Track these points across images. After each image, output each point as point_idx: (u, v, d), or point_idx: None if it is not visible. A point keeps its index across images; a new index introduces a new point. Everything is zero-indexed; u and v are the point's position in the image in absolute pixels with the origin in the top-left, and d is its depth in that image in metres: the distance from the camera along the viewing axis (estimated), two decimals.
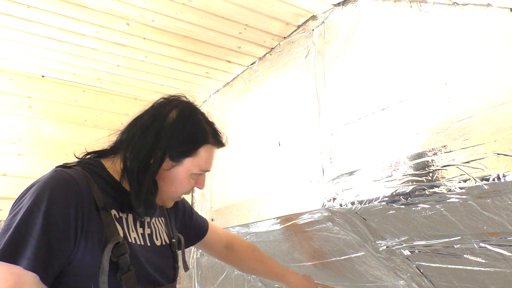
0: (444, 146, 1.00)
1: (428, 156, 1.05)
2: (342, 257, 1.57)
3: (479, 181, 0.91)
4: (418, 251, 1.28)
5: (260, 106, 1.84)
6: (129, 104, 2.19)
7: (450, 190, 0.98)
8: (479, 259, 1.13)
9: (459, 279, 1.27)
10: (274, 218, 1.62)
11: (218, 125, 1.01)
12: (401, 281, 1.47)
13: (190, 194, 2.26)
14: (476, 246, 1.10)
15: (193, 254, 2.18)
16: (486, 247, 1.08)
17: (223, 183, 2.07)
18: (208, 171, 0.99)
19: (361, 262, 1.52)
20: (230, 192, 1.99)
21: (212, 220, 2.10)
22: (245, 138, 1.91)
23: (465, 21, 0.99)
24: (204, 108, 2.35)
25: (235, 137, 1.99)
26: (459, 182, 0.96)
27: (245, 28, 1.67)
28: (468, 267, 1.18)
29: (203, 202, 2.21)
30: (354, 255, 1.51)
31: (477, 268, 1.17)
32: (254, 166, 1.81)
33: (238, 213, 1.87)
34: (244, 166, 1.89)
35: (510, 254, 1.04)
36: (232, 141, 2.01)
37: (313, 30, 1.59)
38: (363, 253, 1.46)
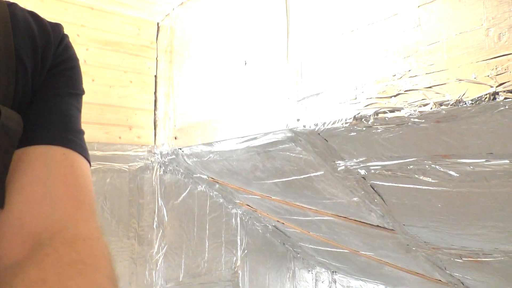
0: (409, 70, 1.01)
1: (393, 80, 1.06)
2: (302, 176, 1.64)
3: (438, 106, 0.94)
4: (374, 171, 1.35)
5: (227, 23, 1.76)
6: (85, 14, 2.04)
7: (410, 114, 1.01)
8: (429, 179, 1.21)
9: (409, 197, 1.37)
10: (238, 137, 1.63)
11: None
12: (355, 198, 1.57)
13: (153, 112, 2.23)
14: (428, 167, 1.17)
15: (156, 171, 2.20)
16: (436, 168, 1.16)
17: (187, 101, 2.04)
18: None
19: (320, 180, 1.59)
20: (194, 110, 1.97)
21: (175, 138, 2.10)
22: (210, 56, 1.85)
23: None
24: (166, 23, 2.23)
25: (199, 54, 1.93)
26: (420, 106, 0.99)
27: None
28: (418, 186, 1.27)
29: (166, 120, 2.18)
30: (314, 174, 1.58)
31: (426, 187, 1.26)
32: (219, 85, 1.78)
33: (202, 132, 1.87)
34: (209, 84, 1.86)
35: (457, 174, 1.12)
36: (196, 58, 1.95)
37: None
38: (322, 172, 1.53)
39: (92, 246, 0.49)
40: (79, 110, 0.67)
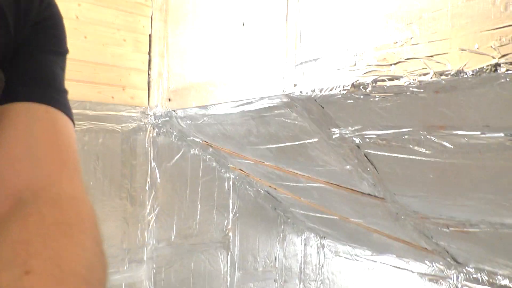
0: (411, 38, 0.99)
1: (394, 47, 1.04)
2: (296, 143, 1.64)
3: (438, 76, 0.93)
4: (368, 140, 1.35)
5: None
6: None
7: (409, 84, 0.99)
8: (423, 150, 1.21)
9: (401, 167, 1.38)
10: (233, 101, 1.61)
11: None
12: (348, 166, 1.58)
13: (147, 72, 2.18)
14: (423, 138, 1.17)
15: (149, 133, 2.19)
16: (431, 139, 1.16)
17: (181, 62, 2.00)
18: None
19: (314, 148, 1.59)
20: (189, 72, 1.93)
21: (169, 100, 2.08)
22: (207, 16, 1.80)
23: None
24: None
25: (195, 14, 1.87)
26: (420, 76, 0.97)
27: None
28: (411, 157, 1.27)
29: (160, 82, 2.15)
30: (308, 141, 1.57)
31: (420, 158, 1.26)
32: (215, 47, 1.74)
33: (197, 95, 1.84)
34: (205, 46, 1.81)
35: (451, 146, 1.12)
36: (192, 18, 1.89)
37: None
38: (317, 139, 1.52)
39: (77, 206, 0.48)
40: (63, 69, 0.64)
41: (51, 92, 0.58)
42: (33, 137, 0.53)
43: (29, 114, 0.55)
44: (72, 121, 0.60)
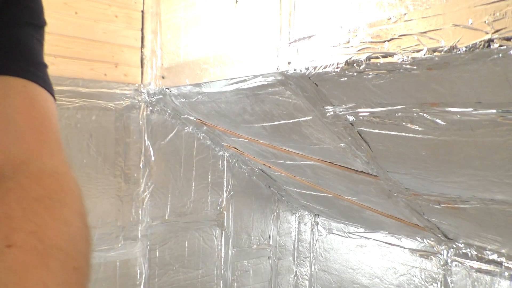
0: (405, 14, 0.98)
1: (388, 24, 1.04)
2: (291, 121, 1.64)
3: (432, 52, 0.93)
4: (362, 118, 1.35)
5: None
6: None
7: (403, 60, 1.00)
8: (415, 127, 1.22)
9: (395, 144, 1.39)
10: (227, 79, 1.61)
11: None
12: (342, 144, 1.59)
13: (140, 50, 2.16)
14: (416, 115, 1.18)
15: (142, 111, 2.18)
16: (424, 116, 1.17)
17: (175, 40, 1.98)
18: None
19: (308, 125, 1.60)
20: (183, 50, 1.92)
21: (163, 77, 2.06)
22: None
23: None
24: None
25: None
26: (413, 52, 0.98)
27: None
28: (404, 134, 1.29)
29: (153, 59, 2.13)
30: (302, 119, 1.58)
31: (412, 135, 1.27)
32: (209, 24, 1.72)
33: (190, 72, 1.83)
34: (199, 22, 1.79)
35: (444, 123, 1.13)
36: None
37: None
38: (311, 117, 1.53)
39: (59, 180, 0.47)
40: (41, 42, 0.62)
41: (28, 66, 0.56)
42: (11, 111, 0.51)
43: (6, 88, 0.53)
44: (53, 95, 0.58)
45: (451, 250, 2.07)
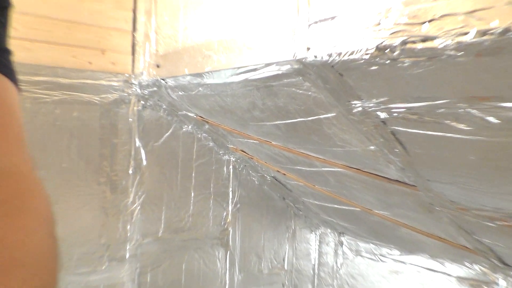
0: None
1: (427, 2, 1.04)
2: (310, 118, 1.65)
3: (481, 35, 0.93)
4: (396, 115, 1.35)
5: None
6: None
7: (446, 45, 1.00)
8: (462, 126, 1.21)
9: (436, 147, 1.39)
10: (234, 68, 1.62)
11: None
12: (372, 147, 1.59)
13: (131, 33, 2.19)
14: (462, 111, 1.17)
15: (133, 106, 2.20)
16: (472, 113, 1.16)
17: (173, 22, 2.00)
18: None
19: (331, 124, 1.60)
20: (182, 33, 1.93)
21: (158, 66, 2.09)
22: None
23: None
24: None
25: None
26: (458, 36, 0.98)
27: None
28: (448, 134, 1.28)
29: (146, 45, 2.15)
30: (324, 116, 1.58)
31: (458, 136, 1.27)
32: (213, 3, 1.74)
33: (191, 60, 1.85)
34: (201, 2, 1.81)
35: (497, 121, 1.13)
36: None
37: None
38: (334, 114, 1.53)
39: (18, 182, 0.48)
40: (4, 26, 0.64)
41: None
42: None
43: None
44: (16, 84, 0.60)
45: (510, 279, 2.04)
